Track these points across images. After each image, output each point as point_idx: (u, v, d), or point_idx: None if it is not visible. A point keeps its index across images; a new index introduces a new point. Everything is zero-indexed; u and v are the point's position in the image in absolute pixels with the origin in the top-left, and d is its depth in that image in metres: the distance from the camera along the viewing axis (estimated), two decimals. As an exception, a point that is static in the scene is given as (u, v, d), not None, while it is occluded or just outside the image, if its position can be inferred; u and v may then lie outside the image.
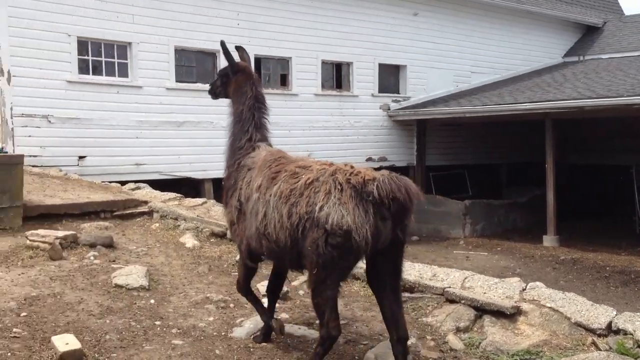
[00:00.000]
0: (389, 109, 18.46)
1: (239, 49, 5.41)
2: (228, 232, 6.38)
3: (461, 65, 20.00)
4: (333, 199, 3.91)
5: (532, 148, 19.01)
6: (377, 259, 4.07)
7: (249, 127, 4.99)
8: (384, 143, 18.42)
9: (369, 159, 18.04)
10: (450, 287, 5.60)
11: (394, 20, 18.22)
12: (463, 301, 5.34)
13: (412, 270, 6.14)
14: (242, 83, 5.11)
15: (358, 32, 17.36)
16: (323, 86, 17.00)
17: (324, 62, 16.90)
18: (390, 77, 18.78)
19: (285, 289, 5.78)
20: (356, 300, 5.79)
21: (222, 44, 5.11)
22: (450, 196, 18.19)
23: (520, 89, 18.51)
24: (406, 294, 5.75)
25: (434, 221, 17.66)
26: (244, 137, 4.97)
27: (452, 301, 5.44)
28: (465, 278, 5.74)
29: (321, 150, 16.72)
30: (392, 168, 18.68)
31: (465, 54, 20.00)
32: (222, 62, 14.65)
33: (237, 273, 6.39)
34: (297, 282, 6.15)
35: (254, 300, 4.87)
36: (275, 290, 4.91)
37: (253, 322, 4.95)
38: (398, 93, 18.90)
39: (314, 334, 4.84)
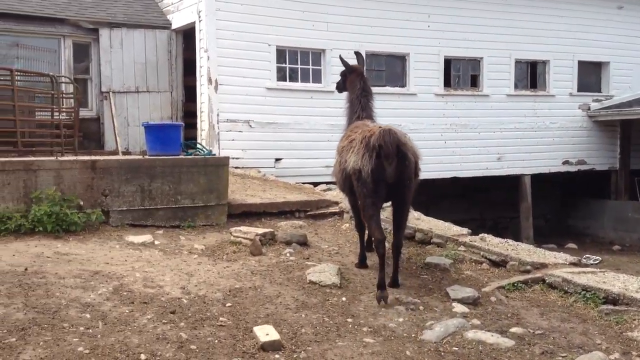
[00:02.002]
0: (589, 109, 17.34)
1: (357, 54, 7.52)
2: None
3: (673, 60, 18.23)
4: (354, 150, 5.87)
5: None
6: (391, 191, 5.81)
7: (357, 108, 6.99)
8: (583, 145, 17.34)
9: (566, 162, 17.09)
10: (660, 301, 5.14)
11: (596, 15, 17.08)
12: (676, 317, 4.88)
13: (616, 282, 5.74)
14: (354, 79, 7.18)
15: (555, 29, 16.52)
16: (516, 86, 16.41)
17: (517, 61, 16.31)
18: (590, 75, 17.62)
19: (476, 294, 5.68)
20: (553, 310, 5.51)
21: (340, 57, 7.49)
22: (659, 203, 16.64)
23: None
24: (609, 307, 5.38)
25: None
26: (354, 115, 6.97)
27: (662, 317, 4.99)
28: (679, 292, 5.23)
29: (512, 152, 16.18)
30: (591, 172, 17.52)
31: (677, 47, 18.20)
32: (412, 66, 14.77)
33: (426, 276, 6.42)
34: (488, 288, 5.99)
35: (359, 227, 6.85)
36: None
37: (443, 326, 4.91)
38: (599, 92, 17.70)
39: (507, 342, 4.68)
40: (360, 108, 6.96)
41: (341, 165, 6.21)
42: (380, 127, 5.84)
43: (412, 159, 5.80)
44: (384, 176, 5.65)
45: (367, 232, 6.59)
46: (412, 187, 5.93)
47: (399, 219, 5.99)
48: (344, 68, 7.41)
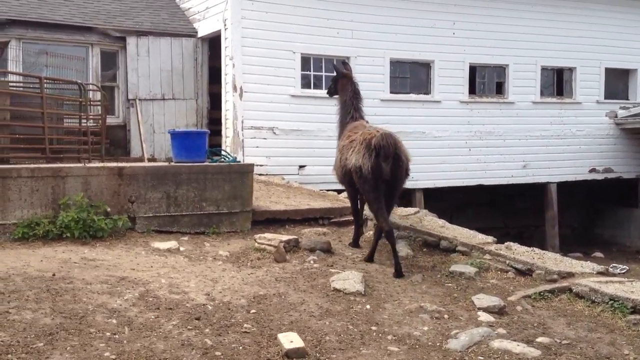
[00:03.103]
0: (617, 116, 17.12)
1: (344, 62, 8.89)
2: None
3: (703, 66, 17.93)
4: (355, 151, 6.86)
5: None
6: (387, 186, 6.72)
7: (350, 109, 7.93)
8: (610, 153, 17.12)
9: (593, 170, 16.88)
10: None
11: (623, 22, 16.89)
12: None
13: (645, 292, 5.66)
14: (346, 83, 8.10)
15: (582, 36, 16.36)
16: (542, 93, 16.26)
17: (543, 68, 16.16)
18: (617, 82, 17.41)
19: (501, 303, 5.64)
20: (580, 320, 5.44)
21: (333, 63, 9.03)
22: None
23: None
24: (637, 317, 5.34)
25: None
26: (348, 116, 7.90)
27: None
28: None
29: (538, 160, 16.03)
30: (618, 180, 17.29)
31: None
32: (437, 73, 14.73)
33: (451, 284, 6.38)
34: (514, 297, 5.94)
35: (355, 214, 8.00)
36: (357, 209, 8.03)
37: (468, 335, 4.87)
38: (627, 99, 17.47)
39: (533, 351, 4.63)
40: (353, 109, 7.95)
41: (341, 162, 7.27)
42: (378, 130, 6.86)
43: (405, 160, 6.87)
44: (381, 173, 6.66)
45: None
46: (403, 183, 7.07)
47: (389, 207, 7.02)
48: (347, 75, 8.27)
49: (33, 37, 13.07)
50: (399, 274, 6.62)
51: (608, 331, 5.20)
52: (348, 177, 7.12)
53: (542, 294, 6.04)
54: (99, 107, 11.91)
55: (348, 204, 9.75)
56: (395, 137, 6.76)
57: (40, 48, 13.16)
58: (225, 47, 13.13)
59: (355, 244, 7.86)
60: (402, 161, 6.75)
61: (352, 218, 9.12)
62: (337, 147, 7.80)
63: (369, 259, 7.14)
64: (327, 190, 11.34)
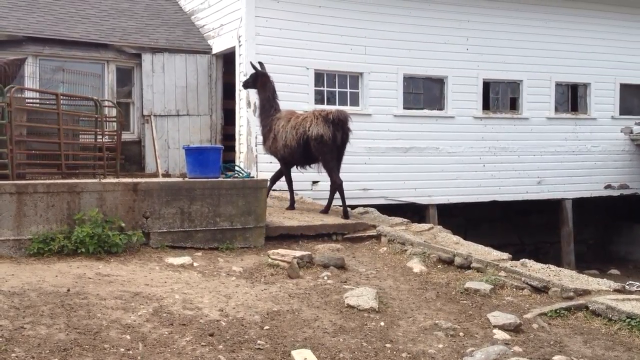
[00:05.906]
0: (632, 132, 17.01)
1: (260, 64, 10.59)
2: (264, 147, 10.84)
3: None
4: (315, 123, 9.47)
5: None
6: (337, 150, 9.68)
7: (273, 103, 10.32)
8: (626, 169, 17.00)
9: (608, 186, 16.76)
10: None
11: (638, 37, 16.83)
12: None
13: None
14: (266, 82, 10.40)
15: (597, 51, 16.34)
16: (556, 109, 16.20)
17: (557, 84, 16.12)
18: (633, 98, 17.32)
19: (517, 321, 5.57)
20: (597, 338, 5.37)
21: (251, 63, 10.74)
22: None
23: None
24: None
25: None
26: (271, 109, 10.27)
27: None
28: None
29: (552, 176, 15.95)
30: (634, 196, 17.15)
31: None
32: (450, 88, 14.72)
33: (466, 301, 6.34)
34: (530, 315, 5.88)
35: (289, 186, 10.66)
36: (275, 180, 10.63)
37: (484, 353, 4.83)
38: (643, 115, 17.38)
39: (550, 371, 4.58)
40: (275, 103, 10.31)
41: (298, 132, 9.64)
42: (329, 112, 9.60)
43: (349, 131, 9.61)
44: (336, 139, 9.50)
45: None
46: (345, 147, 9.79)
47: (339, 166, 9.88)
48: (266, 74, 10.48)
49: (50, 54, 13.23)
50: (345, 216, 9.69)
51: (625, 349, 5.13)
52: (304, 144, 9.60)
53: (558, 311, 5.97)
54: (115, 123, 11.99)
55: (361, 219, 9.78)
56: (345, 113, 9.63)
57: (56, 65, 13.29)
58: (240, 64, 13.20)
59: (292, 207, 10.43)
60: (348, 130, 9.60)
61: (365, 234, 9.23)
62: (267, 130, 10.19)
63: (325, 210, 10.10)
64: (340, 206, 11.30)
